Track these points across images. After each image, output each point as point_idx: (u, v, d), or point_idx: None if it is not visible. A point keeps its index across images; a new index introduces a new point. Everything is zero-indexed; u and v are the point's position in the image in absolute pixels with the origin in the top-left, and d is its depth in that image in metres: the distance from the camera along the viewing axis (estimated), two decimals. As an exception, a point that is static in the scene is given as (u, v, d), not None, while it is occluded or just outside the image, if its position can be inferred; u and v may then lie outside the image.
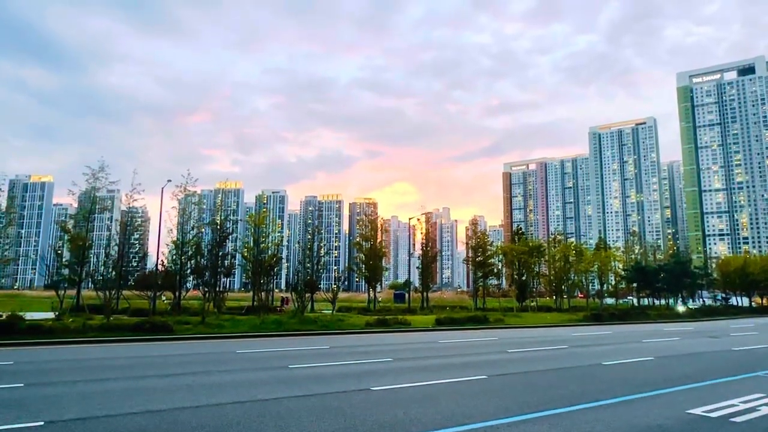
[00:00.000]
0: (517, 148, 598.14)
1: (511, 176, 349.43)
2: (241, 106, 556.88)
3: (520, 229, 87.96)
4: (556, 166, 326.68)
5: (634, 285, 74.21)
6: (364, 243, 60.00)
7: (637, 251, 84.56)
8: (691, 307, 64.31)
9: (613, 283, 76.91)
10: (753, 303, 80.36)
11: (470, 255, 67.07)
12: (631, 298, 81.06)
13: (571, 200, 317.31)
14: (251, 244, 45.37)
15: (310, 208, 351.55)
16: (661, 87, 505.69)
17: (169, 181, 39.17)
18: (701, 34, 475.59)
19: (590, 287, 78.10)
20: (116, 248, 36.58)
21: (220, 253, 39.93)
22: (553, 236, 77.50)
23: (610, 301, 78.31)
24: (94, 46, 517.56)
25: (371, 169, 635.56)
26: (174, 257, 41.12)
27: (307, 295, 42.53)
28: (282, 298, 46.30)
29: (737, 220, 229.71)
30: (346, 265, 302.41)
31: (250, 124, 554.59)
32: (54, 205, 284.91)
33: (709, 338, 28.38)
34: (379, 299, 65.31)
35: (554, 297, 69.87)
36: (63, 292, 35.95)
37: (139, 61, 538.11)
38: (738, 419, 9.29)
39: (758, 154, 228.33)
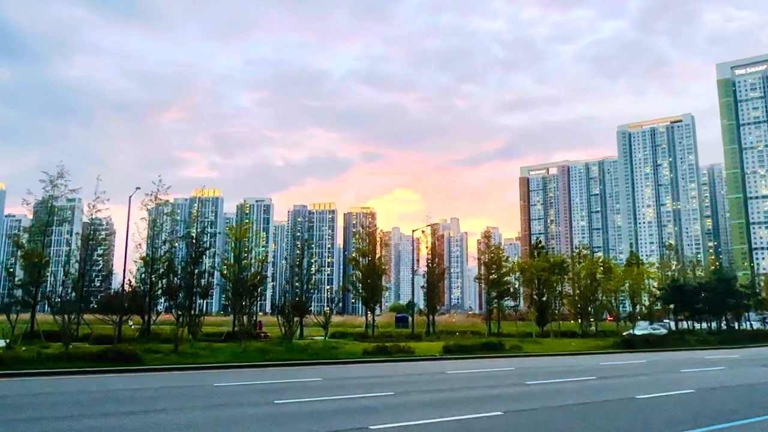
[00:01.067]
0: (536, 150, 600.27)
1: (529, 182, 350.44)
2: (221, 103, 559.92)
3: (540, 242, 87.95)
4: (580, 169, 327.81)
5: (671, 306, 74.03)
6: (360, 259, 59.92)
7: (674, 267, 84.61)
8: (656, 331, 60.74)
9: (647, 304, 76.72)
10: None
11: (483, 272, 66.97)
12: (667, 321, 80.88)
13: (598, 209, 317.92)
14: (231, 261, 45.32)
15: (300, 219, 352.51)
16: (700, 80, 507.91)
17: (138, 188, 39.24)
18: (744, 20, 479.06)
19: (621, 309, 77.93)
20: (77, 266, 36.52)
21: (196, 271, 39.88)
22: (577, 250, 77.54)
23: (643, 324, 78.11)
24: (55, 36, 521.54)
25: (369, 173, 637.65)
26: (143, 276, 41.07)
27: (295, 319, 42.41)
28: (256, 321, 45.86)
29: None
30: (341, 284, 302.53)
31: (231, 122, 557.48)
32: (5, 216, 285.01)
33: (761, 367, 28.27)
34: (378, 323, 65.13)
35: (579, 320, 69.71)
36: (15, 316, 35.83)
37: (105, 52, 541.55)
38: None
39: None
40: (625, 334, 59.44)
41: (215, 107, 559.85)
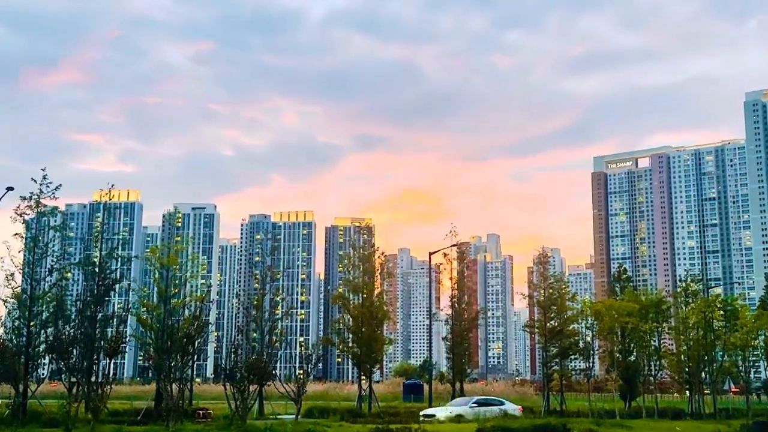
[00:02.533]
0: (619, 131, 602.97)
1: (608, 179, 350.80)
2: (137, 59, 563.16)
3: (625, 271, 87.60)
4: (687, 160, 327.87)
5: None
6: (351, 296, 59.72)
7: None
8: (477, 411, 56.84)
9: (793, 367, 76.30)
10: None
11: (536, 317, 66.61)
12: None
13: (715, 221, 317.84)
14: (154, 300, 45.12)
15: (259, 236, 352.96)
16: None
17: (10, 188, 39.14)
18: None
19: (751, 375, 77.35)
20: None
21: (100, 316, 39.69)
22: (683, 284, 76.97)
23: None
24: None
25: (365, 167, 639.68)
26: (16, 323, 40.86)
27: (252, 388, 42.19)
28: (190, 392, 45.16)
29: None
30: (321, 335, 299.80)
31: (153, 89, 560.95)
32: None
33: None
34: (379, 395, 64.87)
35: (688, 393, 69.18)
36: None
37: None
38: None
39: None
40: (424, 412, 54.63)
41: (129, 66, 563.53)
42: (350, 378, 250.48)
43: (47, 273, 41.77)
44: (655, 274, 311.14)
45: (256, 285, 51.02)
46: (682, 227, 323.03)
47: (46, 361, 41.86)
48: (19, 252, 40.41)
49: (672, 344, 72.23)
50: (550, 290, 65.65)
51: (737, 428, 46.32)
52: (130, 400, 61.50)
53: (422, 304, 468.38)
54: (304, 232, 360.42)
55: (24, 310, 40.09)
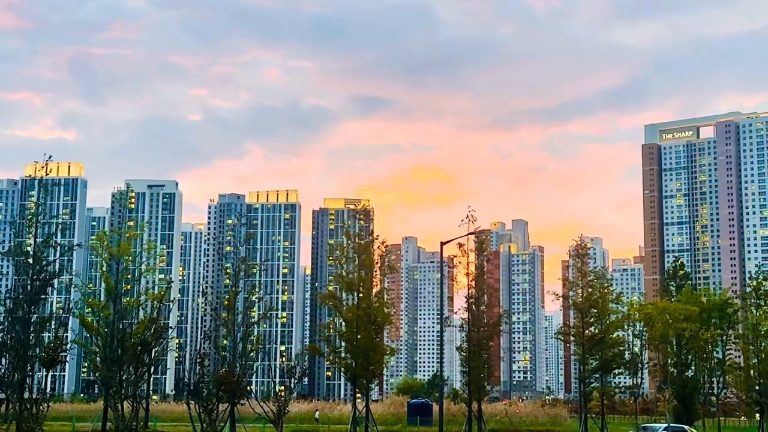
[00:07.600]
0: (677, 93, 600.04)
1: (662, 153, 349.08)
2: (81, 2, 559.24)
3: (682, 266, 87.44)
4: (759, 130, 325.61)
5: None
6: (344, 295, 59.72)
7: None
8: None
9: None
10: None
11: (572, 322, 66.73)
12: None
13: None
14: (102, 298, 45.20)
15: (231, 221, 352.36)
16: None
17: None
18: None
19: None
20: None
21: (34, 318, 39.74)
22: (753, 283, 77.16)
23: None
24: None
25: (363, 136, 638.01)
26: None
27: (222, 407, 42.31)
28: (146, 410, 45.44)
29: None
30: (306, 343, 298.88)
31: (102, 37, 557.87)
32: None
33: None
34: (378, 416, 65.07)
35: (758, 416, 69.40)
36: None
37: None
38: None
39: None
40: None
41: (72, 8, 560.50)
42: (343, 396, 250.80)
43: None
44: (720, 270, 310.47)
45: (227, 281, 51.17)
46: (754, 212, 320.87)
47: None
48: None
49: (739, 356, 72.30)
50: (590, 289, 65.63)
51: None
52: (71, 421, 61.69)
53: (432, 306, 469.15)
54: (287, 216, 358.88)
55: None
